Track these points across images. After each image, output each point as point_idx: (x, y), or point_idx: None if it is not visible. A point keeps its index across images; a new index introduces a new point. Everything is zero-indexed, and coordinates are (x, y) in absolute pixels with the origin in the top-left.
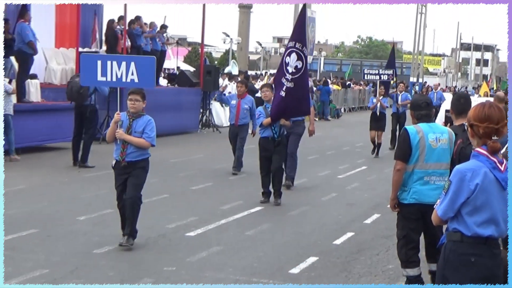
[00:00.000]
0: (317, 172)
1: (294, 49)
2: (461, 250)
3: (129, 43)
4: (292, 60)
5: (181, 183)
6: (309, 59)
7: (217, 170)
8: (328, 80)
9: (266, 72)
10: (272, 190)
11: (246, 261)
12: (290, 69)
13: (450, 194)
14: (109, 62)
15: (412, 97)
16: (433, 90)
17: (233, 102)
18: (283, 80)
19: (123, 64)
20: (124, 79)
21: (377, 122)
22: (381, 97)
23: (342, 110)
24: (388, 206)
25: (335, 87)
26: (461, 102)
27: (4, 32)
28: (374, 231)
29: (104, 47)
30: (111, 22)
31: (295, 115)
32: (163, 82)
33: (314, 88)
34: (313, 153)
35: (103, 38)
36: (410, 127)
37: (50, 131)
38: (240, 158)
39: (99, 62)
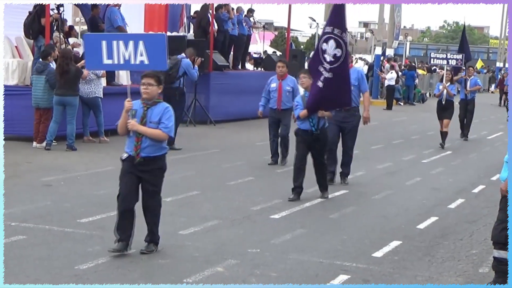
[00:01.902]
0: (402, 157)
1: (332, 36)
2: None
3: (216, 27)
4: (330, 47)
5: (267, 165)
6: (395, 44)
7: None
8: (414, 65)
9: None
10: (303, 187)
11: (329, 244)
12: (328, 58)
13: None
14: (114, 42)
15: None
16: None
17: (273, 85)
18: (321, 69)
19: (131, 43)
20: (132, 61)
21: (443, 110)
22: (448, 83)
23: (427, 95)
24: (473, 190)
25: (420, 71)
26: None
27: (94, 17)
28: (458, 216)
29: (191, 32)
30: (205, 7)
31: (334, 106)
32: (249, 66)
33: (400, 73)
34: (397, 138)
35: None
36: None
37: None
38: (287, 145)
39: (103, 43)
